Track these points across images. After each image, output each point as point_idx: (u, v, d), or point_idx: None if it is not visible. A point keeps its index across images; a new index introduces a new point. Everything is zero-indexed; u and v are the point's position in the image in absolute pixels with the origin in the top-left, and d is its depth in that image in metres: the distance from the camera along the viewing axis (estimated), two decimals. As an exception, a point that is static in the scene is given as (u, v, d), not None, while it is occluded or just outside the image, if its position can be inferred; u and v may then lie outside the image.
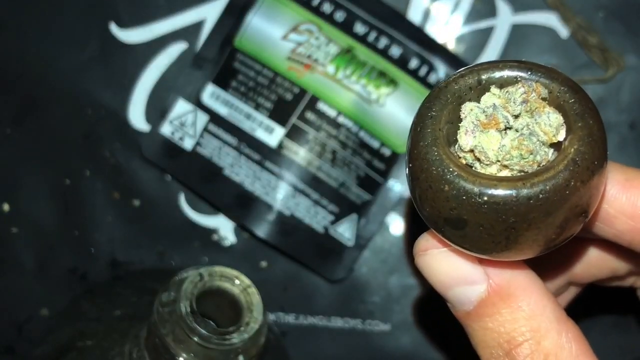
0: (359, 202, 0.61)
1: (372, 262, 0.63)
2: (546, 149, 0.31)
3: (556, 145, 0.31)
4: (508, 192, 0.29)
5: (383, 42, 0.60)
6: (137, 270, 0.63)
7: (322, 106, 0.60)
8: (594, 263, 0.45)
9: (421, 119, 0.32)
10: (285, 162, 0.60)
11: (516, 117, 0.31)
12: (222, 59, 0.61)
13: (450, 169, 0.30)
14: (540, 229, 0.30)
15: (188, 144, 0.61)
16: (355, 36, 0.60)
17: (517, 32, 0.61)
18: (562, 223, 0.30)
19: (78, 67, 0.62)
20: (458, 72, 0.33)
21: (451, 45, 0.62)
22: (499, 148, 0.30)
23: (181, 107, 0.61)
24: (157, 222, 0.63)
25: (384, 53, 0.60)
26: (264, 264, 0.64)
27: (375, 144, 0.61)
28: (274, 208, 0.60)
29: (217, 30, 0.61)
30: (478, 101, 0.32)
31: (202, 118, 0.61)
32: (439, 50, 0.61)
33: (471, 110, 0.31)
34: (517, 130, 0.31)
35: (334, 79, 0.60)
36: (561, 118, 0.31)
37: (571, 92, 0.31)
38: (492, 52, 0.61)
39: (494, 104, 0.31)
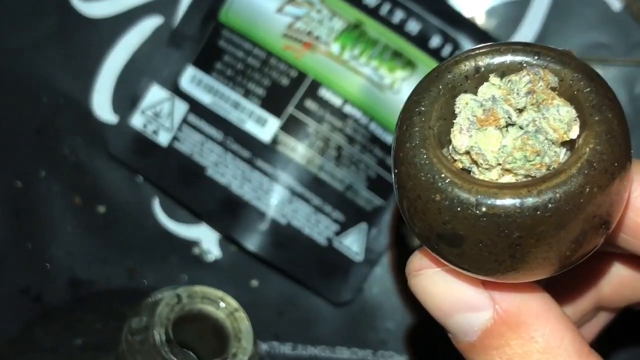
0: (369, 209, 0.61)
1: (384, 281, 0.64)
2: (556, 149, 0.30)
3: (568, 145, 0.31)
4: (510, 201, 0.29)
5: (398, 15, 0.61)
6: (102, 291, 0.64)
7: (325, 93, 0.60)
8: (626, 283, 0.44)
9: (408, 116, 0.32)
10: (280, 161, 0.60)
11: (520, 111, 0.31)
12: (205, 36, 0.61)
13: (442, 175, 0.30)
14: (551, 244, 0.30)
15: (164, 139, 0.61)
16: (365, 9, 0.60)
17: (560, 4, 0.62)
18: (578, 237, 0.30)
19: (31, 46, 0.63)
20: (452, 59, 0.33)
21: (480, 20, 0.62)
22: (499, 149, 0.30)
23: (155, 94, 0.61)
24: (126, 232, 0.64)
25: (399, 29, 0.60)
26: (254, 283, 0.64)
27: (388, 138, 0.61)
28: (266, 215, 0.60)
29: (199, 2, 0.62)
30: (475, 93, 0.32)
31: (181, 107, 0.61)
32: (466, 25, 0.61)
33: (467, 103, 0.31)
34: (521, 128, 0.31)
35: (340, 61, 0.60)
36: (574, 111, 0.30)
37: (586, 80, 0.31)
38: (529, 28, 0.62)
39: (493, 96, 0.31)
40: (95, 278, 0.64)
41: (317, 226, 0.60)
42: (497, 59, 0.32)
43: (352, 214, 0.61)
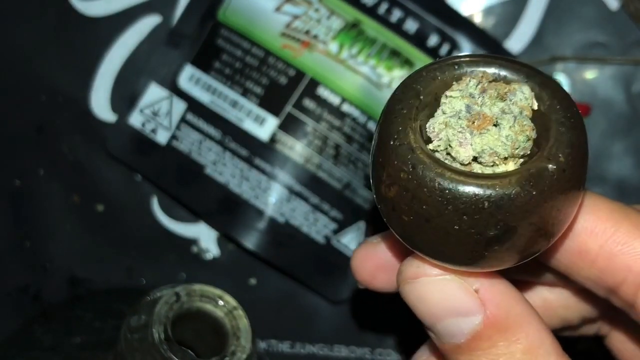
0: (367, 207, 0.61)
1: (383, 279, 0.64)
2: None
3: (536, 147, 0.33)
4: (481, 190, 0.31)
5: (396, 14, 0.61)
6: (101, 290, 0.64)
7: (323, 91, 0.60)
8: (553, 310, 0.47)
9: (391, 111, 0.33)
10: (278, 159, 0.60)
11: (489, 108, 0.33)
12: (203, 35, 0.62)
13: (423, 165, 0.32)
14: (516, 232, 0.32)
15: (162, 138, 0.61)
16: (363, 8, 0.61)
17: (557, 3, 0.61)
18: (539, 228, 0.32)
19: (30, 45, 0.63)
20: (432, 65, 0.35)
21: (478, 19, 0.62)
22: (503, 141, 0.32)
23: (154, 93, 0.62)
24: (124, 231, 0.64)
25: (397, 28, 0.60)
26: (253, 281, 0.64)
27: (386, 137, 0.61)
28: (265, 214, 0.61)
29: (197, 1, 0.62)
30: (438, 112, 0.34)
31: (179, 106, 0.61)
32: (463, 24, 0.61)
33: (446, 125, 0.33)
34: (505, 113, 0.33)
35: (338, 59, 0.60)
36: (529, 89, 0.33)
37: (558, 100, 0.33)
38: (526, 26, 0.62)
39: (466, 104, 0.33)
40: (94, 276, 0.64)
41: (315, 225, 0.60)
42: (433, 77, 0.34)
43: (350, 213, 0.61)
